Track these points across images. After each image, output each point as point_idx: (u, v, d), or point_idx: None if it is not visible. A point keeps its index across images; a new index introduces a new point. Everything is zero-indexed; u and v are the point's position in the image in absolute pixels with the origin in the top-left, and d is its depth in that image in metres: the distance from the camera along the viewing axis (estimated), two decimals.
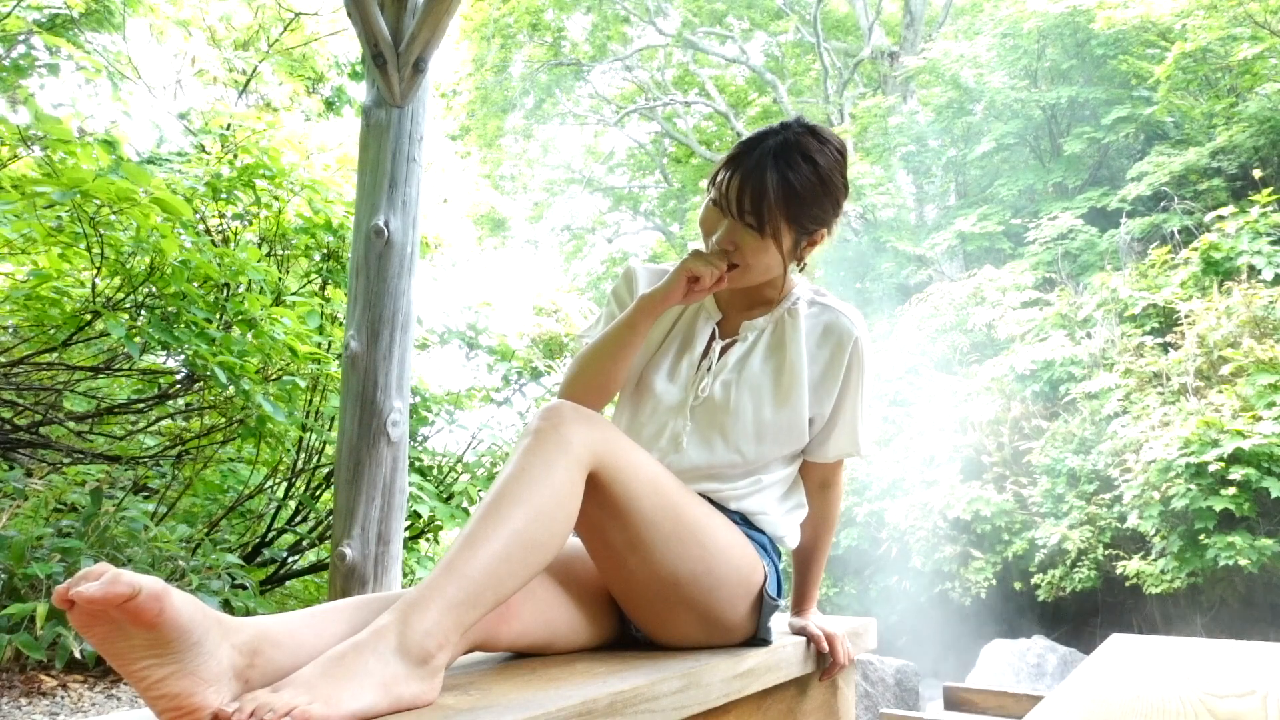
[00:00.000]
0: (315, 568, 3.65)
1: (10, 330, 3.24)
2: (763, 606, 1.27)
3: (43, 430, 3.13)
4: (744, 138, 1.28)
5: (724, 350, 1.35)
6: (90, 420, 3.26)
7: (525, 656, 1.18)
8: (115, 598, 0.71)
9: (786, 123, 1.27)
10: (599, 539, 1.14)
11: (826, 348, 1.32)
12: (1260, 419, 5.13)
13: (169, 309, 2.75)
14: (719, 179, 1.24)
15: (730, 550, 1.21)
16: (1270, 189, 6.59)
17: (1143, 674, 1.28)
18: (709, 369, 1.33)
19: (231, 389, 2.72)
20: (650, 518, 1.12)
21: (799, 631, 1.39)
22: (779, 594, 1.30)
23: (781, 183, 1.20)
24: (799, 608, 1.43)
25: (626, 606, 1.22)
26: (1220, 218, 6.76)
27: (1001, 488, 6.60)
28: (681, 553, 1.15)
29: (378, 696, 0.80)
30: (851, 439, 1.34)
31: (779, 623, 1.37)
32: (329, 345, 3.43)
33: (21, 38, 4.15)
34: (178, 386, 3.26)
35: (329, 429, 3.51)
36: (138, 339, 2.63)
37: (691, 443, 1.29)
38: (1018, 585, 6.28)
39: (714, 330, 1.37)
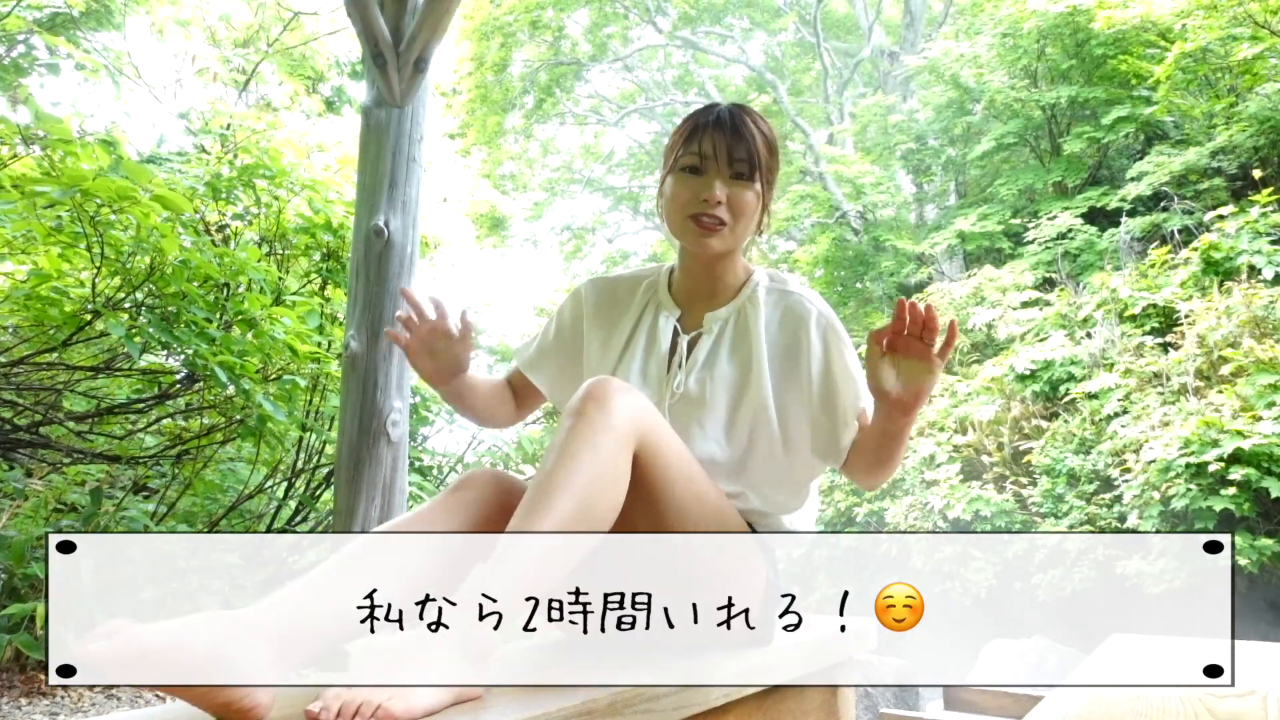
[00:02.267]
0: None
1: (10, 330, 3.24)
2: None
3: (43, 430, 3.12)
4: (688, 115, 1.32)
5: (691, 344, 1.34)
6: (90, 420, 3.25)
7: (525, 657, 1.18)
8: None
9: (717, 103, 1.33)
10: (627, 520, 1.12)
11: (788, 331, 1.32)
12: (1260, 419, 5.13)
13: (169, 309, 2.75)
14: (692, 144, 1.27)
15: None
16: (1270, 189, 6.58)
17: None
18: (680, 365, 1.32)
19: (231, 389, 2.72)
20: (681, 503, 1.12)
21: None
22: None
23: (758, 130, 1.28)
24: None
25: None
26: (1220, 218, 6.76)
27: (1001, 488, 6.60)
28: (699, 544, 1.15)
29: (446, 693, 0.84)
30: (855, 396, 1.28)
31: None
32: (329, 345, 3.43)
33: (21, 37, 4.15)
34: (178, 386, 3.26)
35: (329, 429, 3.50)
36: (138, 339, 2.62)
37: None
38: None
39: (676, 327, 1.36)
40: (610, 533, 1.20)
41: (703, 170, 1.26)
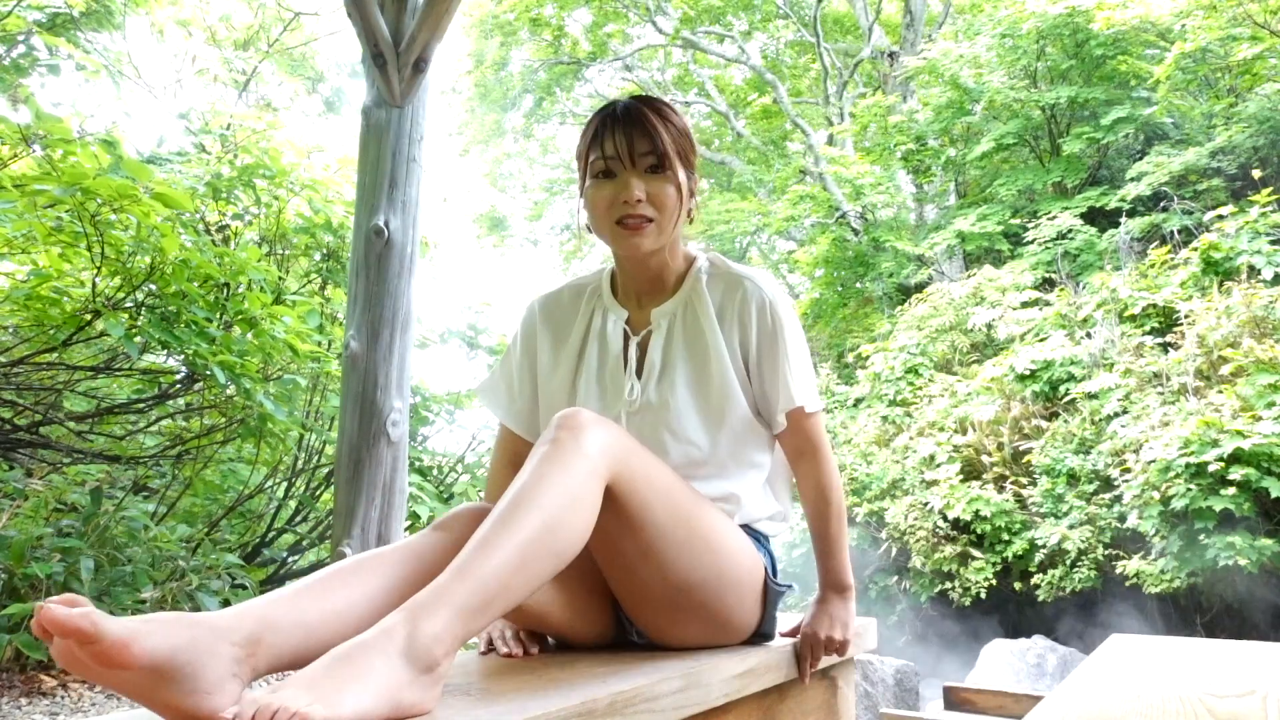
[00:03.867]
0: (315, 568, 3.65)
1: (10, 330, 3.24)
2: (767, 600, 1.27)
3: (43, 430, 3.12)
4: (590, 116, 1.29)
5: (642, 346, 1.32)
6: (90, 420, 3.25)
7: (525, 656, 1.18)
8: (73, 631, 0.71)
9: (618, 99, 1.30)
10: (611, 548, 1.12)
11: (732, 316, 1.29)
12: (1260, 419, 5.13)
13: (169, 308, 2.75)
14: (596, 147, 1.24)
15: (739, 552, 1.21)
16: (1270, 189, 6.59)
17: (1143, 674, 1.28)
18: (635, 370, 1.30)
19: (232, 388, 2.72)
20: (664, 527, 1.10)
21: (792, 633, 1.34)
22: (777, 579, 1.30)
23: (659, 118, 1.24)
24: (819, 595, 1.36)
25: (634, 612, 1.21)
26: (1220, 218, 6.76)
27: (1001, 488, 6.60)
28: (694, 560, 1.14)
29: (379, 701, 0.78)
30: (787, 393, 1.27)
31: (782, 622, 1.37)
32: (329, 345, 3.43)
33: (21, 37, 4.15)
34: (178, 386, 3.26)
35: (329, 429, 3.50)
36: (138, 339, 2.62)
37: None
38: (1018, 585, 6.28)
39: (625, 329, 1.33)
40: (593, 560, 1.18)
41: (614, 172, 1.23)
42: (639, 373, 1.30)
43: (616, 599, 1.22)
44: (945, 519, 6.59)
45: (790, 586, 1.32)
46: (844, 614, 1.33)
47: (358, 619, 0.92)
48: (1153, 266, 7.12)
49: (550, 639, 1.29)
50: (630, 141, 1.21)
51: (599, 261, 17.17)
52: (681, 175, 1.24)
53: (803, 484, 1.34)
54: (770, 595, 1.27)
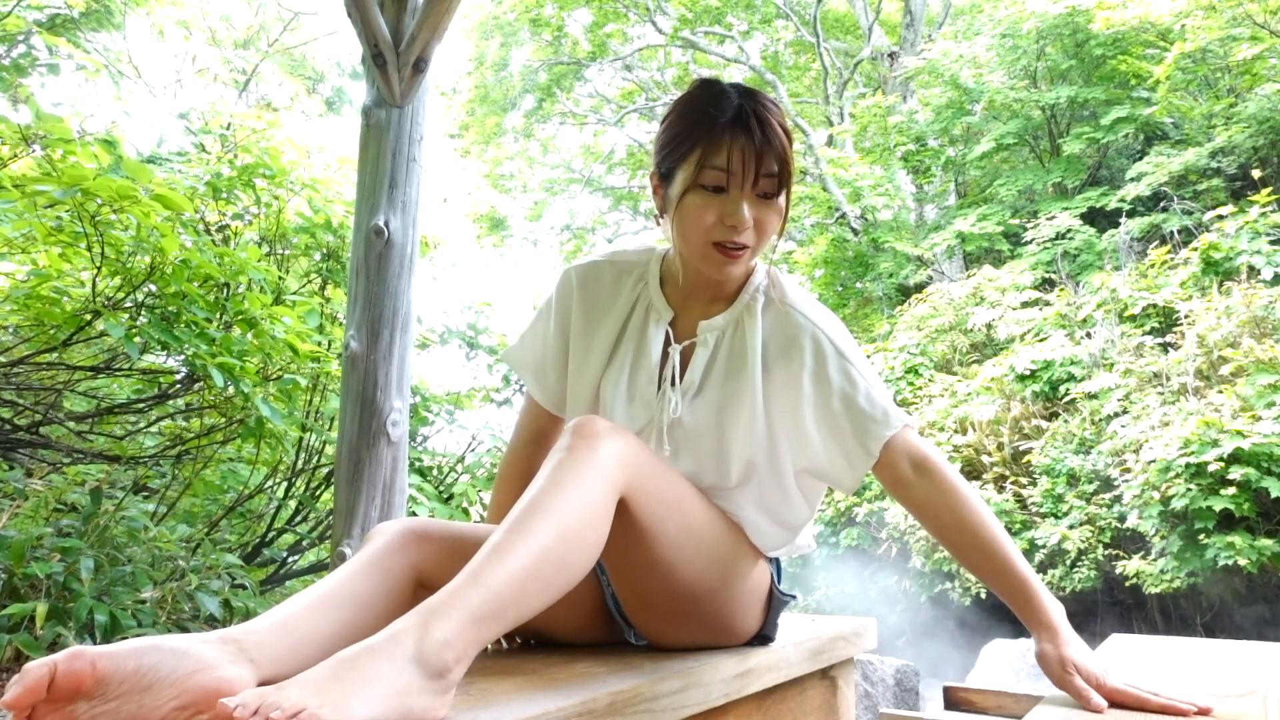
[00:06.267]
0: (315, 568, 3.65)
1: (10, 330, 3.24)
2: (771, 605, 1.26)
3: (43, 430, 3.12)
4: (694, 104, 1.11)
5: (683, 357, 1.21)
6: (90, 420, 3.25)
7: (525, 657, 1.18)
8: (40, 684, 0.70)
9: (718, 80, 1.14)
10: (620, 558, 1.10)
11: (781, 352, 1.18)
12: (1260, 419, 5.13)
13: (169, 309, 2.75)
14: (716, 158, 1.08)
15: (746, 559, 1.20)
16: (1269, 189, 6.59)
17: (1143, 674, 1.28)
18: (672, 382, 1.20)
19: (231, 389, 2.72)
20: (674, 539, 1.08)
21: (1064, 687, 1.10)
22: (781, 584, 1.29)
23: (782, 129, 1.10)
24: (1038, 632, 1.14)
25: (638, 618, 1.20)
26: (1220, 218, 6.77)
27: (1001, 488, 6.60)
28: (703, 570, 1.13)
29: (388, 706, 0.75)
30: (878, 422, 1.15)
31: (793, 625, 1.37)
32: (329, 345, 3.43)
33: (21, 37, 4.16)
34: (178, 386, 3.26)
35: (329, 429, 3.50)
36: (137, 339, 2.62)
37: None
38: None
39: (667, 334, 1.23)
40: (605, 572, 1.19)
41: (727, 187, 1.09)
42: (672, 384, 1.21)
43: (619, 602, 1.22)
44: None
45: (794, 597, 1.31)
46: (1076, 655, 1.10)
47: (350, 627, 0.92)
48: (1153, 266, 7.12)
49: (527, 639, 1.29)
50: (759, 164, 1.08)
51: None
52: (785, 198, 1.13)
53: (930, 512, 1.17)
54: (775, 603, 1.27)
